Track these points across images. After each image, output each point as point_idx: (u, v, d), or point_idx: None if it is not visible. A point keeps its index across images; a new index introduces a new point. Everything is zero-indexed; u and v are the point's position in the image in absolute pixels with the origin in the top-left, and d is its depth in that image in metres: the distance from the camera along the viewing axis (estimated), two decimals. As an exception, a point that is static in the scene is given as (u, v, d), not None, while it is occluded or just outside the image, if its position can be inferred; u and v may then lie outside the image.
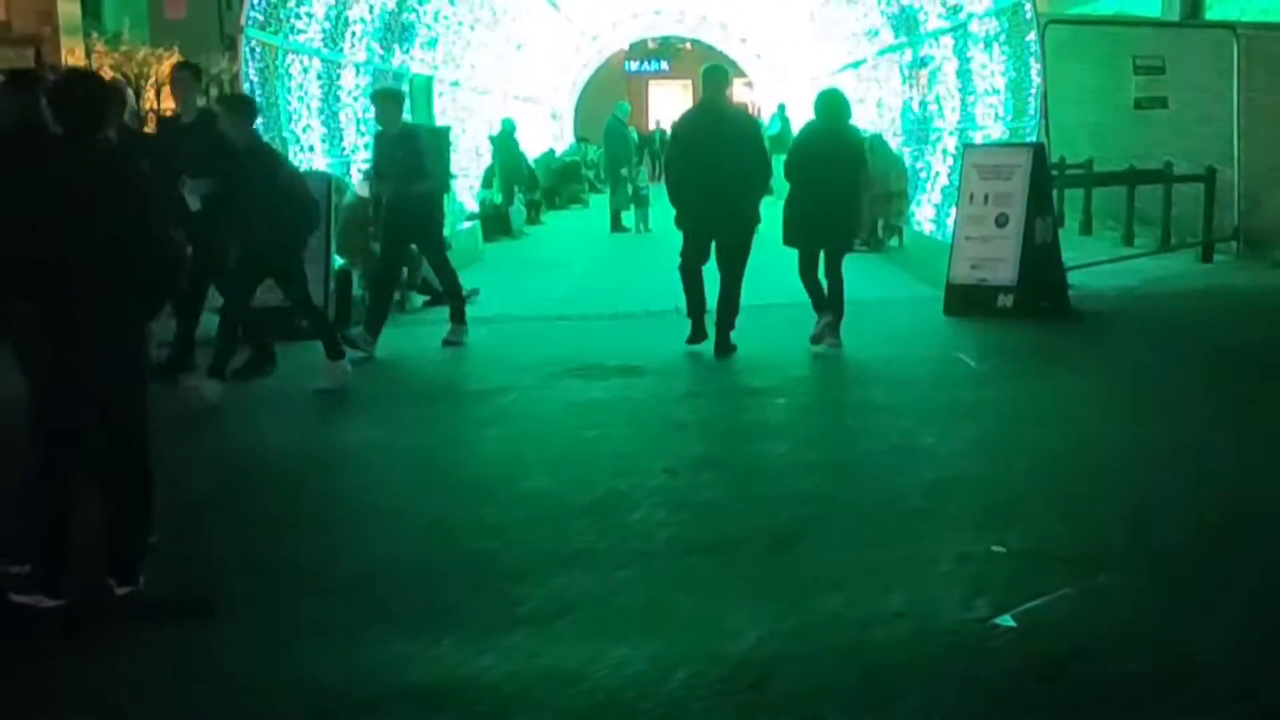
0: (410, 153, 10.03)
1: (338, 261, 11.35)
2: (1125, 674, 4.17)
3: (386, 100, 10.44)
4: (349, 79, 13.89)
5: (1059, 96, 13.18)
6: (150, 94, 24.34)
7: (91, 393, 4.87)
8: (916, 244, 15.18)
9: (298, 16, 12.40)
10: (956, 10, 13.84)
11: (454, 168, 18.45)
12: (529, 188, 22.79)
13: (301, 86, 12.63)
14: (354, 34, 13.96)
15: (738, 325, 9.76)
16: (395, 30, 15.35)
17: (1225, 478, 6.34)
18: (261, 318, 8.90)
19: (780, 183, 10.62)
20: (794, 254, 10.02)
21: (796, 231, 9.97)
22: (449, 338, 10.43)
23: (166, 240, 5.02)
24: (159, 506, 5.12)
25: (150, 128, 13.29)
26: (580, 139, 32.14)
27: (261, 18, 11.63)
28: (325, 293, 10.86)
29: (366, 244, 11.41)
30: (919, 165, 15.74)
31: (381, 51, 14.96)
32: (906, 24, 15.82)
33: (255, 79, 11.49)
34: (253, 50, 11.50)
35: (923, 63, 15.55)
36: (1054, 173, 13.45)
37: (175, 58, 21.50)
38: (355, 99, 13.87)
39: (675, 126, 10.38)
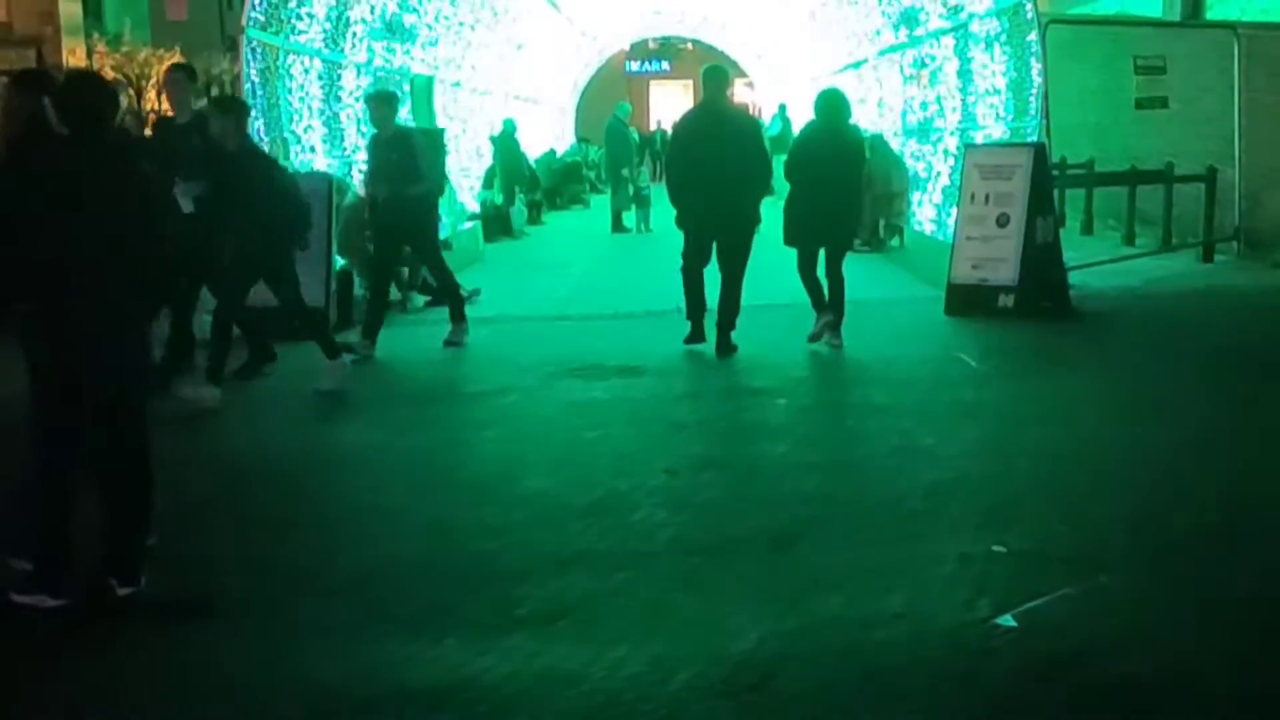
0: (404, 155, 10.01)
1: (339, 262, 11.36)
2: (1126, 674, 4.16)
3: (380, 103, 10.43)
4: (350, 79, 13.89)
5: (1060, 96, 13.17)
6: (151, 95, 24.37)
7: (91, 393, 4.88)
8: (917, 244, 15.19)
9: (299, 17, 12.41)
10: (957, 10, 13.84)
11: (455, 169, 18.51)
12: (530, 188, 22.79)
13: (303, 87, 12.64)
14: (355, 34, 13.97)
15: (738, 325, 9.76)
16: (394, 28, 15.37)
17: (1226, 478, 6.34)
18: (255, 316, 8.88)
19: (781, 183, 10.61)
20: (794, 254, 10.02)
21: (797, 230, 9.97)
22: (450, 338, 10.43)
23: (168, 241, 5.03)
24: (159, 507, 5.13)
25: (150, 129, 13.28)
26: (581, 139, 32.15)
27: (262, 18, 11.64)
28: (327, 293, 10.88)
29: (366, 245, 11.41)
30: (919, 165, 15.75)
31: (382, 51, 14.97)
32: (907, 24, 15.83)
33: (256, 80, 11.49)
34: (254, 51, 11.51)
35: (924, 63, 15.55)
36: (1055, 173, 13.44)
37: (176, 58, 21.49)
38: (356, 99, 13.87)
39: (676, 127, 10.38)
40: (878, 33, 17.37)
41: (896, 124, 16.88)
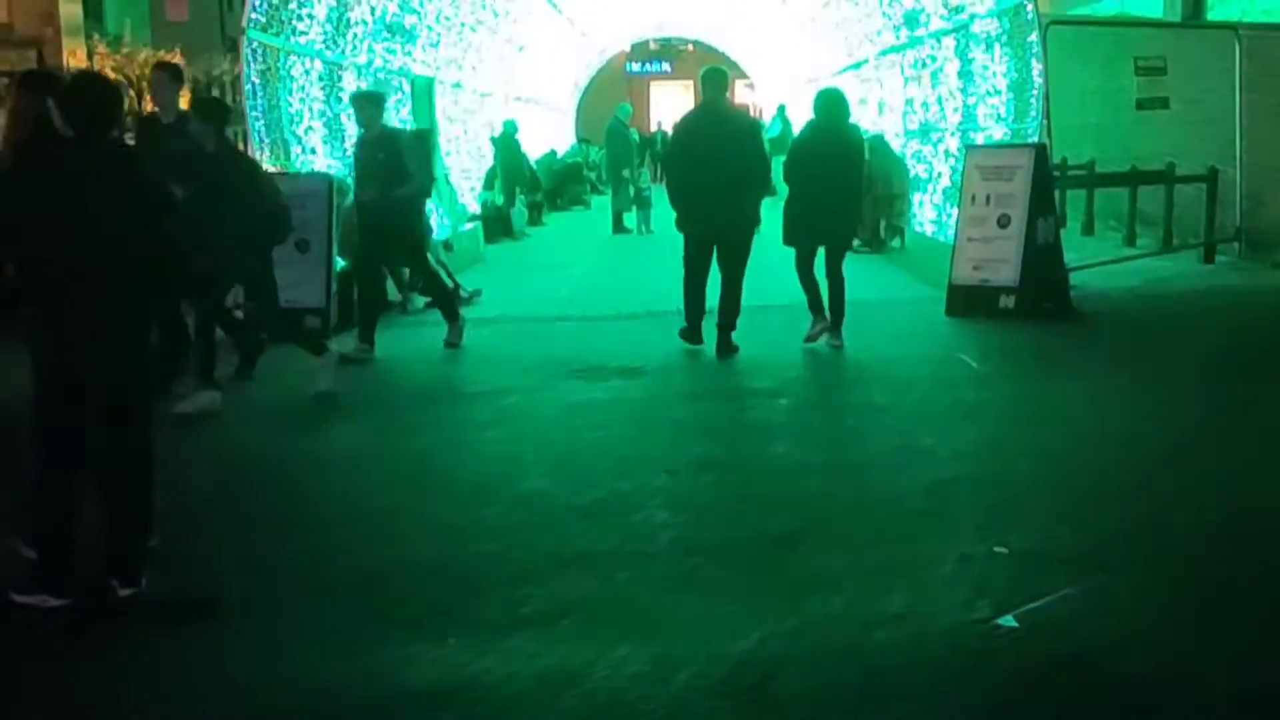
0: (391, 154, 9.99)
1: (339, 263, 11.35)
2: (1126, 675, 4.16)
3: (365, 103, 10.40)
4: (350, 81, 13.89)
5: (1061, 97, 13.17)
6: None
7: (95, 393, 4.88)
8: (918, 245, 15.19)
9: (299, 18, 12.42)
10: (958, 10, 13.85)
11: (456, 170, 18.51)
12: (531, 189, 22.79)
13: (303, 88, 12.64)
14: (355, 35, 13.97)
15: (739, 326, 9.76)
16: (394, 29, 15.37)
17: (1226, 478, 6.33)
18: (231, 318, 8.86)
19: (781, 184, 10.62)
20: (794, 254, 10.02)
21: (795, 229, 9.97)
22: (448, 338, 10.41)
23: (173, 242, 5.04)
24: (159, 507, 5.13)
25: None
26: (582, 140, 32.16)
27: (263, 19, 11.64)
28: (327, 294, 10.88)
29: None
30: (919, 166, 15.75)
31: (383, 52, 14.97)
32: (908, 25, 15.83)
33: (257, 81, 11.50)
34: (254, 52, 11.52)
35: (924, 64, 15.55)
36: (1056, 173, 13.43)
37: (177, 59, 21.51)
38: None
39: (675, 128, 10.38)
40: (878, 33, 17.37)
41: (898, 125, 16.88)
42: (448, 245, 14.74)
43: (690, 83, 37.19)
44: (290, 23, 12.23)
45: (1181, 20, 17.32)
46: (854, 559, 5.28)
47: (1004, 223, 11.21)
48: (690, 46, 39.31)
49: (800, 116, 18.54)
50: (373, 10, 14.42)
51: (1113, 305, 11.59)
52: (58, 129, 5.03)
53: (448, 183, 17.51)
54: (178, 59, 21.87)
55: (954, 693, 4.09)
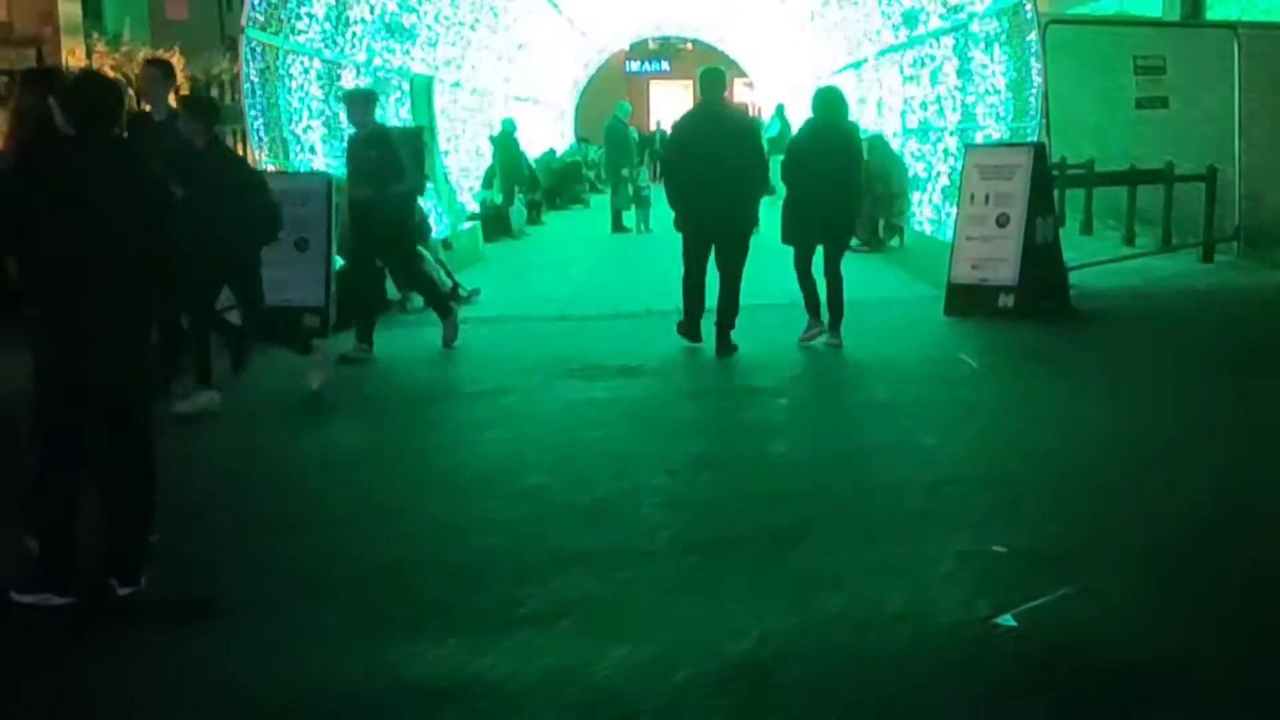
0: (383, 151, 9.96)
1: (338, 262, 11.34)
2: (1126, 662, 4.18)
3: (356, 101, 10.36)
4: (349, 79, 13.89)
5: (1060, 96, 13.17)
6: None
7: (96, 393, 4.89)
8: (917, 244, 15.19)
9: (298, 17, 12.42)
10: (957, 10, 13.85)
11: (455, 169, 18.51)
12: (530, 188, 22.79)
13: (302, 87, 12.64)
14: (354, 34, 13.97)
15: (738, 325, 9.76)
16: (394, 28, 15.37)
17: (1221, 475, 6.35)
18: (223, 318, 8.85)
19: (779, 182, 10.62)
20: (793, 254, 10.03)
21: (794, 228, 9.98)
22: (445, 337, 10.38)
23: (174, 241, 5.04)
24: (160, 507, 5.14)
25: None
26: (581, 139, 32.15)
27: (262, 18, 11.64)
28: (326, 294, 10.86)
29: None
30: (919, 165, 15.75)
31: (382, 51, 14.97)
32: (907, 24, 15.83)
33: (256, 80, 11.50)
34: (253, 51, 11.52)
35: (923, 63, 15.56)
36: (1055, 172, 13.44)
37: (175, 58, 21.50)
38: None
39: (674, 127, 10.37)
40: (878, 32, 17.38)
41: (897, 124, 16.89)
42: (447, 244, 14.75)
43: (689, 82, 37.15)
44: (289, 21, 12.23)
45: (1180, 19, 17.33)
46: (853, 557, 5.29)
47: (1003, 222, 11.22)
48: (689, 45, 39.31)
49: (799, 115, 18.56)
50: (372, 9, 14.42)
51: (1111, 304, 11.59)
52: (59, 128, 5.02)
53: (447, 181, 17.52)
54: (176, 58, 21.86)
55: (953, 692, 4.09)
